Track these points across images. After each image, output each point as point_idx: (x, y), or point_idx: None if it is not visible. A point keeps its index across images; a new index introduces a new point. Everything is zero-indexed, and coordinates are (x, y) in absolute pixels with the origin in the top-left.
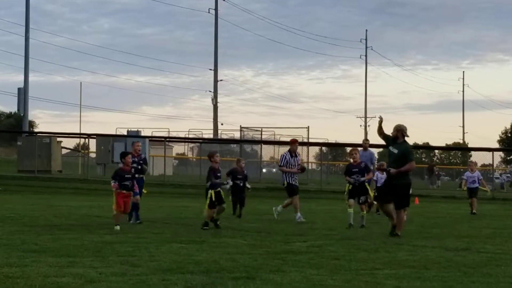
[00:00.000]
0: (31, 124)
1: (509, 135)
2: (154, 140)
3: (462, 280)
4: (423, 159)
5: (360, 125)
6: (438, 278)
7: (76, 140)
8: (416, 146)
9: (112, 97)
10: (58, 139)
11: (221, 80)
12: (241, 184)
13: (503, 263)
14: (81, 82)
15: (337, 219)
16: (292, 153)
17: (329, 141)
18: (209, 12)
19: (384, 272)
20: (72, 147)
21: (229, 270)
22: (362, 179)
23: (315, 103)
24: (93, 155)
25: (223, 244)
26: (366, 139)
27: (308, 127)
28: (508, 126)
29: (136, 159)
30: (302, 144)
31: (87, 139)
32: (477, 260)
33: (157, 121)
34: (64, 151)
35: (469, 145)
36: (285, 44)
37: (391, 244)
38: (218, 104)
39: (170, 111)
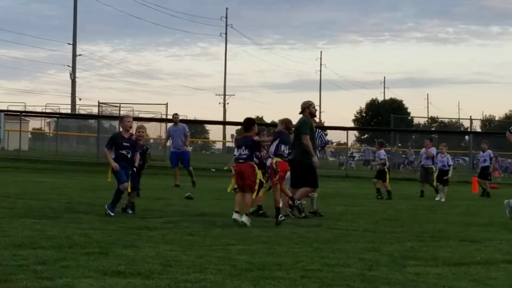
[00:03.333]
0: None
1: (364, 114)
2: (9, 114)
3: (312, 255)
4: None
5: (219, 103)
6: (290, 254)
7: None
8: (274, 125)
9: None
10: None
11: (79, 55)
12: (129, 155)
13: (353, 239)
14: None
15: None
16: None
17: (188, 118)
18: None
19: (237, 248)
20: None
21: (82, 246)
22: None
23: (174, 79)
24: None
25: (78, 219)
26: (176, 114)
27: (167, 104)
28: (363, 106)
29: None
30: (161, 120)
31: None
32: (329, 236)
33: (12, 95)
34: None
35: (326, 124)
36: (144, 20)
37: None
38: (76, 79)
39: (27, 85)
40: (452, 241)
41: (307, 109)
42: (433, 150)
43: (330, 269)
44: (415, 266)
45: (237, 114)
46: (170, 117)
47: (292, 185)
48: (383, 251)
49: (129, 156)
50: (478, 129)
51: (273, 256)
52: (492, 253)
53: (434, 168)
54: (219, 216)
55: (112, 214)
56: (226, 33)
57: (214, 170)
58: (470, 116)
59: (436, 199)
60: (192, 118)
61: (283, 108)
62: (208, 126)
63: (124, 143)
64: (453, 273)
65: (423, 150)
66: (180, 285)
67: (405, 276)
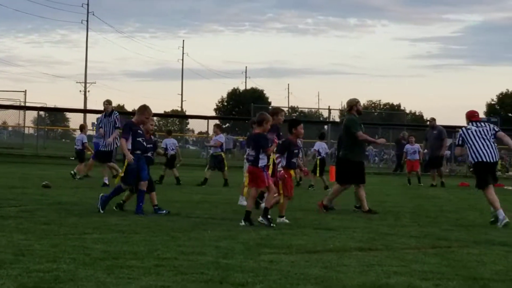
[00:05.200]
0: None
1: (225, 103)
2: None
3: (168, 244)
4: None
5: (80, 91)
6: (146, 242)
7: None
8: (130, 113)
9: None
10: None
11: None
12: (145, 144)
13: (209, 227)
14: None
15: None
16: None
17: (48, 106)
18: None
19: (93, 237)
20: None
21: None
22: None
23: (33, 67)
24: None
25: None
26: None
27: (25, 91)
28: (225, 95)
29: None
30: (19, 108)
31: None
32: (186, 224)
33: None
34: None
35: (187, 113)
36: (3, 6)
37: (106, 210)
38: None
39: None
40: (307, 229)
41: (354, 107)
42: (221, 138)
43: (185, 257)
44: (269, 254)
45: (98, 102)
46: (29, 104)
47: (338, 181)
48: (239, 239)
49: (145, 144)
50: (337, 119)
51: (129, 244)
52: (345, 240)
53: (223, 155)
54: (76, 205)
55: (102, 211)
56: (87, 20)
57: (73, 158)
58: (329, 106)
59: None
60: (52, 106)
61: (144, 96)
62: (68, 114)
63: (139, 131)
64: (306, 261)
65: (212, 139)
66: (32, 274)
67: (259, 264)
